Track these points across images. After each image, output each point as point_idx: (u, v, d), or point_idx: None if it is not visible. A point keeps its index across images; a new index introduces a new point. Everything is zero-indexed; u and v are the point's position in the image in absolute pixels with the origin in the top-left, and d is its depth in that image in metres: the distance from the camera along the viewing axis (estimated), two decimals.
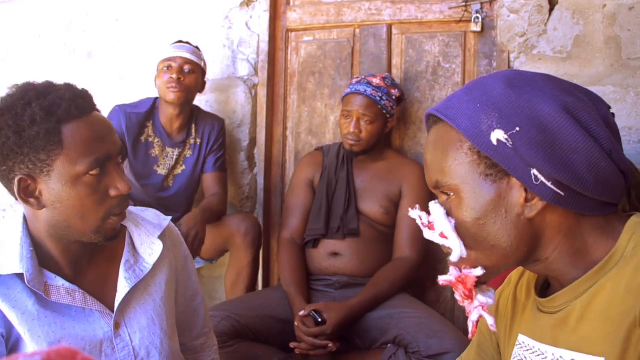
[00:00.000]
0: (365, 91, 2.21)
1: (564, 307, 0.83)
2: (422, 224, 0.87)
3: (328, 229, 2.25)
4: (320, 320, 1.96)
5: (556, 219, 0.81)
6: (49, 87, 1.09)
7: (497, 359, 1.04)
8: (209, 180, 2.49)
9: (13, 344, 1.10)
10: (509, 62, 2.28)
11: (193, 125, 2.49)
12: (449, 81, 2.47)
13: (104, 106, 1.50)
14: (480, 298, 0.85)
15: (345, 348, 2.05)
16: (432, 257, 2.49)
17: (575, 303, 0.81)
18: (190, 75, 2.38)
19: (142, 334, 1.21)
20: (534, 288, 0.93)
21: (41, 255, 1.13)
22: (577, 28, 2.16)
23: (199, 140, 2.49)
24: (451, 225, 0.83)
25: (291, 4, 2.74)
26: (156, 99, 2.48)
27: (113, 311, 1.17)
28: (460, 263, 0.85)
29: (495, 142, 0.78)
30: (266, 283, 2.75)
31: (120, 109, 2.39)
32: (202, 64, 2.45)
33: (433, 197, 2.47)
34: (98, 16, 2.99)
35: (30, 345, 1.08)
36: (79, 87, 1.14)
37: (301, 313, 1.98)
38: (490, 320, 0.84)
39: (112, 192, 1.10)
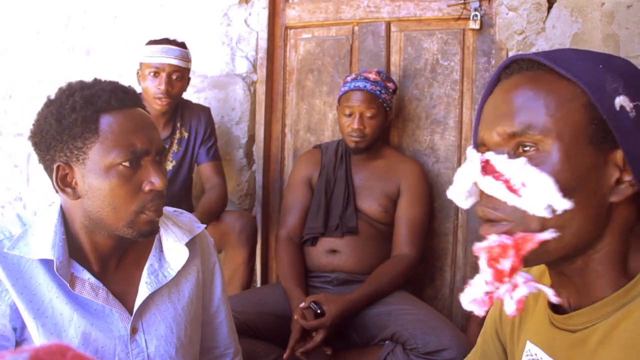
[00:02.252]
0: (365, 87, 2.22)
1: (583, 326, 0.77)
2: (486, 167, 0.75)
3: (327, 227, 2.25)
4: (319, 311, 1.96)
5: (624, 213, 0.75)
6: (95, 81, 1.13)
7: None
8: (206, 170, 2.48)
9: (26, 336, 1.10)
10: None
11: (179, 119, 2.46)
12: (448, 79, 2.47)
13: None
14: (524, 274, 0.74)
15: (343, 345, 2.06)
16: (430, 255, 2.50)
17: (597, 326, 0.75)
18: (178, 82, 2.33)
19: (158, 341, 1.18)
20: (543, 298, 0.86)
21: (72, 247, 1.13)
22: (576, 26, 2.16)
23: (186, 134, 2.47)
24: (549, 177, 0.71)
25: (290, 1, 2.74)
26: (139, 94, 2.46)
27: (132, 315, 1.16)
28: (517, 229, 0.73)
29: (617, 107, 0.71)
30: (264, 280, 2.75)
31: None
32: (190, 64, 2.39)
33: (431, 194, 2.48)
34: (96, 13, 2.99)
35: (41, 338, 1.07)
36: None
37: (301, 305, 1.98)
38: (550, 292, 0.74)
39: (146, 187, 1.09)
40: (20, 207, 3.14)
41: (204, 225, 1.33)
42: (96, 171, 1.06)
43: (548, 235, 0.72)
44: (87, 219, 1.11)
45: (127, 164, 1.07)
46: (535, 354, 0.85)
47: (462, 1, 2.39)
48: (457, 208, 2.48)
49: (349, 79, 2.29)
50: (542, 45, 2.20)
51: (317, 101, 2.70)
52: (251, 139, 2.75)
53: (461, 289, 2.62)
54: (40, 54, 3.10)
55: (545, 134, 0.72)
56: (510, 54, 2.27)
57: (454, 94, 2.46)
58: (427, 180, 2.35)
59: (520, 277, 0.74)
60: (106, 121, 1.07)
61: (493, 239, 0.74)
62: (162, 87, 2.28)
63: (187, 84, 2.42)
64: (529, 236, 0.72)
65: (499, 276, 0.74)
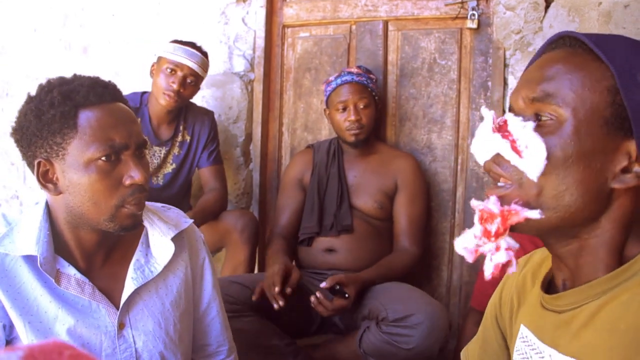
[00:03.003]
0: (353, 79, 2.26)
1: (568, 308, 0.78)
2: (494, 127, 0.78)
3: (321, 227, 2.26)
4: (338, 289, 1.94)
5: (628, 203, 0.76)
6: (74, 77, 1.13)
7: (499, 354, 1.00)
8: (206, 174, 2.48)
9: (15, 335, 1.10)
10: (504, 59, 2.29)
11: (182, 122, 2.47)
12: (445, 78, 2.47)
13: None
14: (508, 240, 0.79)
15: (324, 332, 2.10)
16: (427, 254, 2.50)
17: (583, 307, 0.76)
18: (190, 87, 2.36)
19: (146, 337, 1.18)
20: (540, 281, 0.88)
21: (58, 243, 1.13)
22: (573, 25, 2.17)
23: (188, 138, 2.47)
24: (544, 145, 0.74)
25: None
26: (143, 94, 2.46)
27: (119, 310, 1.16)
28: (515, 194, 0.77)
29: None
30: None
31: None
32: (205, 75, 2.42)
33: (428, 190, 2.49)
34: (94, 11, 2.98)
35: (29, 336, 1.08)
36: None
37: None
38: (514, 268, 0.79)
39: (127, 181, 1.09)
40: (17, 205, 3.13)
41: (191, 220, 1.32)
42: (76, 166, 1.06)
43: (533, 214, 0.75)
44: (69, 214, 1.11)
45: (106, 158, 1.07)
46: (526, 337, 0.86)
47: (460, 0, 2.39)
48: (454, 207, 2.48)
49: (332, 78, 2.32)
50: (539, 44, 2.20)
51: (315, 100, 2.70)
52: (248, 137, 2.75)
53: (458, 288, 2.62)
54: (38, 52, 3.10)
55: (562, 105, 0.74)
56: (508, 53, 2.28)
57: (451, 93, 2.47)
58: (423, 175, 2.36)
59: (504, 242, 0.78)
60: (85, 116, 1.07)
61: (491, 202, 0.78)
62: (175, 85, 2.30)
63: (197, 91, 2.44)
64: (515, 210, 0.76)
65: (486, 234, 0.78)
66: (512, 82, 2.26)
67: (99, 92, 1.09)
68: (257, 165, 2.75)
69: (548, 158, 0.74)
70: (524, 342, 0.87)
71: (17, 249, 1.09)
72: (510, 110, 0.82)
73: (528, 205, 0.76)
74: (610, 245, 0.77)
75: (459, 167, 2.48)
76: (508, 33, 2.25)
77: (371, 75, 2.32)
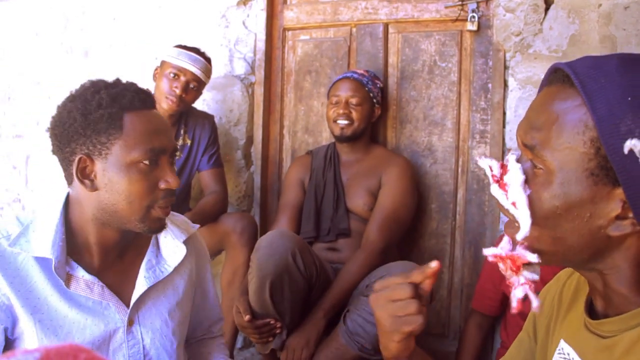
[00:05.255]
0: (352, 75, 2.32)
1: (611, 334, 0.78)
2: (493, 175, 0.81)
3: (319, 231, 2.27)
4: None
5: (635, 246, 0.74)
6: (117, 81, 1.19)
7: (528, 357, 1.02)
8: (206, 177, 2.49)
9: (17, 335, 1.12)
10: (504, 60, 2.29)
11: (182, 126, 2.48)
12: (445, 80, 2.47)
13: None
14: (527, 274, 0.81)
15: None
16: (428, 256, 2.50)
17: (624, 334, 0.75)
18: (192, 92, 2.38)
19: (154, 334, 1.24)
20: (584, 300, 0.88)
21: (72, 244, 1.16)
22: (573, 27, 2.17)
23: (188, 141, 2.48)
24: (526, 198, 0.76)
25: (288, 2, 2.75)
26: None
27: (129, 307, 1.20)
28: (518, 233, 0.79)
29: (626, 151, 0.67)
30: None
31: None
32: (208, 81, 2.44)
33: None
34: (95, 15, 2.99)
35: (39, 335, 1.10)
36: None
37: None
38: (535, 302, 0.79)
39: (162, 185, 1.15)
40: (19, 209, 3.14)
41: (197, 226, 1.39)
42: (117, 166, 1.11)
43: (532, 258, 0.78)
44: (100, 211, 1.15)
45: (147, 162, 1.12)
46: (568, 354, 0.87)
47: (460, 3, 2.39)
48: (454, 209, 2.48)
49: (336, 77, 2.39)
50: (539, 46, 2.21)
51: (315, 102, 2.70)
52: (249, 140, 2.76)
53: (459, 291, 2.61)
54: (39, 56, 3.10)
55: (548, 159, 0.74)
56: (508, 55, 2.28)
57: (452, 95, 2.47)
58: (411, 175, 2.31)
59: (521, 277, 0.81)
60: (129, 119, 1.12)
61: (503, 243, 0.81)
62: (178, 90, 2.32)
63: (199, 97, 2.46)
64: (517, 255, 0.79)
65: (509, 269, 0.82)
66: (512, 84, 2.27)
67: (142, 98, 1.16)
68: (258, 168, 2.75)
69: (534, 215, 0.75)
70: (563, 357, 0.87)
71: (32, 249, 1.12)
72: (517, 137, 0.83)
73: (531, 248, 0.78)
74: (630, 282, 0.76)
75: (459, 169, 2.48)
76: (508, 35, 2.26)
77: (376, 80, 2.36)
